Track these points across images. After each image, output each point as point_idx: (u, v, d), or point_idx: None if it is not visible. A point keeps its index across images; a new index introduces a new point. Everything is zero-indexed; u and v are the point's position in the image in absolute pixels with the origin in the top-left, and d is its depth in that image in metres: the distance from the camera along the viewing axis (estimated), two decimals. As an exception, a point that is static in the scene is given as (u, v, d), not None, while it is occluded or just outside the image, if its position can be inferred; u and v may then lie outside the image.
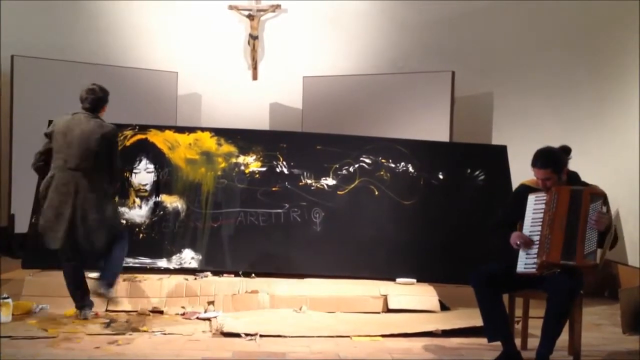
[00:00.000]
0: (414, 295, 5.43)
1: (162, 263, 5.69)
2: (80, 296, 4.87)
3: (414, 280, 5.64)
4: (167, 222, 5.81)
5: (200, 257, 5.73)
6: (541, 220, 4.01)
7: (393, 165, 6.07)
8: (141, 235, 5.72)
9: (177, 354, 4.15)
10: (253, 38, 8.17)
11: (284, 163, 6.03)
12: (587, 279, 4.08)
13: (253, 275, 5.62)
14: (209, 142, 6.05)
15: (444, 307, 5.39)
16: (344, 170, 6.03)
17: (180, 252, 5.73)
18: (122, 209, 5.71)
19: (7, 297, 4.79)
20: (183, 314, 5.10)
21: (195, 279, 5.47)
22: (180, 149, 6.00)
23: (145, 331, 4.62)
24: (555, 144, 4.24)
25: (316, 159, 6.03)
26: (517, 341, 4.18)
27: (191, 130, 6.15)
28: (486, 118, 7.76)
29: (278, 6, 8.22)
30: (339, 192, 5.99)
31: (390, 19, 8.11)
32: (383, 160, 6.07)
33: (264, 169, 6.01)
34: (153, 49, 8.01)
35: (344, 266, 5.74)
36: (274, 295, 5.30)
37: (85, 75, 6.89)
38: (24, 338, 4.34)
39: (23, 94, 7.02)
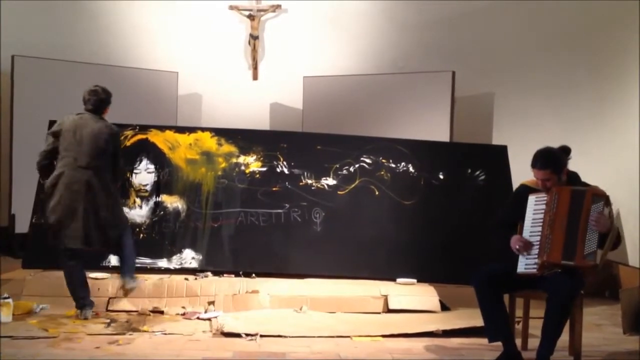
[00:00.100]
0: (414, 295, 5.43)
1: (163, 263, 5.69)
2: (81, 296, 4.88)
3: (415, 281, 5.64)
4: (167, 222, 5.81)
5: (201, 257, 5.73)
6: (542, 220, 4.01)
7: (393, 165, 6.07)
8: (141, 235, 5.72)
9: (178, 354, 4.15)
10: (253, 38, 8.17)
11: (285, 163, 6.03)
12: (587, 279, 4.08)
13: (253, 275, 5.62)
14: (209, 142, 6.05)
15: (444, 307, 5.39)
16: (345, 170, 6.03)
17: (180, 252, 5.74)
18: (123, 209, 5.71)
19: (8, 297, 4.79)
20: (183, 314, 5.10)
21: (196, 279, 5.48)
22: (181, 149, 6.00)
23: (145, 331, 4.62)
24: (556, 144, 4.24)
25: (316, 159, 6.04)
26: (518, 341, 4.18)
27: (191, 130, 6.15)
28: (486, 118, 7.76)
29: (278, 6, 8.22)
30: (339, 192, 5.99)
31: (391, 19, 8.11)
32: (383, 160, 6.07)
33: (264, 169, 6.02)
34: (153, 49, 8.02)
35: (344, 266, 5.74)
36: (275, 295, 5.30)
37: (85, 75, 6.91)
38: (25, 338, 4.35)
39: (23, 94, 7.02)
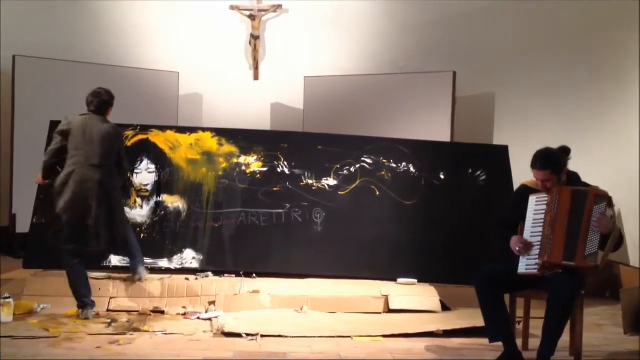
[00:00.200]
0: (415, 295, 5.43)
1: (164, 263, 5.69)
2: (84, 295, 4.88)
3: (415, 281, 5.64)
4: (168, 222, 5.81)
5: (202, 257, 5.74)
6: (542, 221, 4.01)
7: (394, 166, 6.07)
8: (142, 235, 5.72)
9: (178, 354, 4.15)
10: (254, 38, 8.18)
11: (285, 163, 6.03)
12: (588, 280, 4.07)
13: (254, 275, 5.63)
14: (210, 142, 6.05)
15: (445, 308, 5.39)
16: (345, 171, 6.03)
17: (181, 252, 5.74)
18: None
19: (9, 297, 4.79)
20: (184, 314, 5.10)
21: (197, 279, 5.48)
22: (182, 149, 6.00)
23: (146, 331, 4.63)
24: (556, 144, 4.24)
25: (317, 159, 6.04)
26: (519, 341, 4.18)
27: (192, 130, 6.16)
28: (487, 118, 7.76)
29: (279, 6, 8.23)
30: (340, 193, 5.99)
31: (392, 19, 8.12)
32: (384, 161, 6.07)
33: (265, 169, 6.02)
34: (154, 49, 8.02)
35: (345, 266, 5.74)
36: (275, 295, 5.30)
37: (86, 75, 6.93)
38: (25, 338, 4.35)
39: (24, 94, 7.03)
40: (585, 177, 4.26)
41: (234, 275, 5.63)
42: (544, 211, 4.02)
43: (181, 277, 5.46)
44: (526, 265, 4.02)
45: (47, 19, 7.63)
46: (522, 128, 7.33)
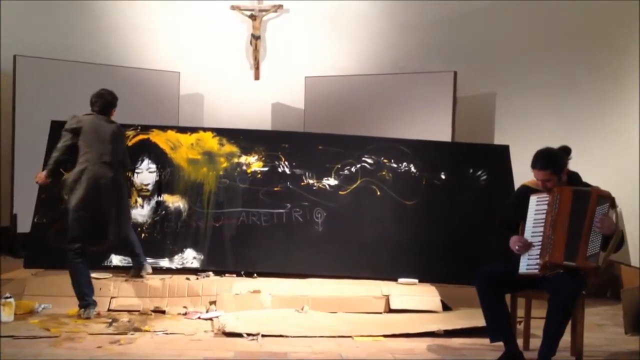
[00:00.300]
0: (415, 295, 5.42)
1: (164, 263, 5.69)
2: (86, 294, 4.89)
3: (416, 281, 5.64)
4: (169, 221, 5.82)
5: (202, 257, 5.74)
6: (543, 220, 4.00)
7: (395, 165, 6.07)
8: (143, 234, 5.73)
9: (179, 354, 4.15)
10: (255, 38, 8.18)
11: (286, 163, 6.03)
12: (590, 280, 4.07)
13: (255, 275, 5.63)
14: (211, 142, 6.05)
15: (446, 308, 5.39)
16: (346, 170, 6.03)
17: (182, 251, 5.74)
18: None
19: (10, 297, 4.79)
20: (185, 314, 5.10)
21: (197, 278, 5.48)
22: (183, 149, 6.01)
23: (147, 331, 4.62)
24: (557, 143, 4.24)
25: (318, 159, 6.04)
26: (519, 341, 4.18)
27: (193, 130, 6.16)
28: (488, 118, 7.76)
29: (280, 6, 8.24)
30: (340, 192, 5.99)
31: (392, 19, 8.12)
32: (385, 160, 6.07)
33: (266, 169, 6.02)
34: (155, 49, 8.03)
35: (345, 266, 5.74)
36: (276, 295, 5.30)
37: (87, 75, 6.94)
38: (26, 338, 4.35)
39: (25, 93, 7.03)
40: (585, 177, 4.26)
41: (234, 275, 5.63)
42: (544, 211, 4.02)
43: (182, 277, 5.46)
44: (527, 265, 4.02)
45: (47, 19, 7.63)
46: (522, 128, 7.33)
